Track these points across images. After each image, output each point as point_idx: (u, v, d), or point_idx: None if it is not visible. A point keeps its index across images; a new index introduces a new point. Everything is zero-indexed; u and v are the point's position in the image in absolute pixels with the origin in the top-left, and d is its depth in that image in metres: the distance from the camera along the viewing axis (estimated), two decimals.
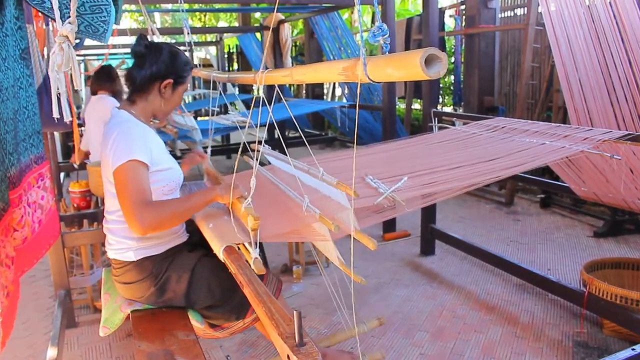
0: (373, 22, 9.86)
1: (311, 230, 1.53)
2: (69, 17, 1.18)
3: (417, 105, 7.61)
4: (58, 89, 1.22)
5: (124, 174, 1.60)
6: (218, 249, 1.54)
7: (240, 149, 1.62)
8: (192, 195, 1.66)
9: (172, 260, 1.81)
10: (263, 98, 1.36)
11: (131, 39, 5.62)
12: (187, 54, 1.96)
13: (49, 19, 1.94)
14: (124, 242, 1.78)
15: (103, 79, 3.56)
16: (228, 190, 1.63)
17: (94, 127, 3.52)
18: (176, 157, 4.35)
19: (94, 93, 3.57)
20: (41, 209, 1.63)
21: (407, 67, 0.76)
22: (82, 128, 7.12)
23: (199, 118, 8.23)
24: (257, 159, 1.45)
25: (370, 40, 0.86)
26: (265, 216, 1.59)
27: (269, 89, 6.65)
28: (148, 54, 1.76)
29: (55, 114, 1.27)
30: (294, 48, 9.70)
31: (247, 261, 1.43)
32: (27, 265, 1.53)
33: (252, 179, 1.40)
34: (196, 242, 1.90)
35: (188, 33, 2.52)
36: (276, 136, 6.97)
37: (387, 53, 0.85)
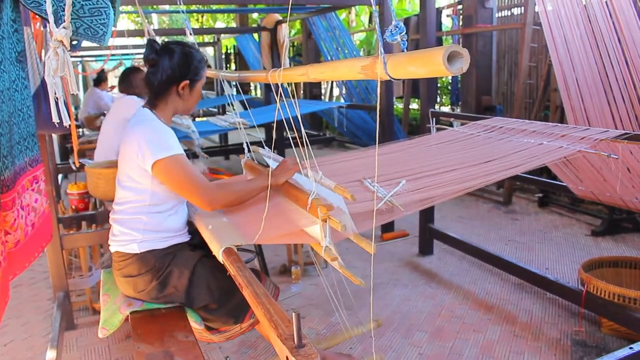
0: (370, 22, 9.87)
1: (305, 235, 1.53)
2: (64, 21, 1.18)
3: (415, 105, 7.62)
4: (55, 93, 1.21)
5: (173, 167, 1.70)
6: (217, 251, 1.54)
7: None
8: (253, 180, 1.83)
9: (174, 256, 1.83)
10: (272, 95, 1.36)
11: (129, 41, 5.61)
12: None
13: (46, 21, 1.94)
14: (130, 234, 1.80)
15: (122, 82, 3.57)
16: (281, 175, 1.76)
17: (113, 126, 3.45)
18: (195, 156, 4.31)
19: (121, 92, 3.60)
20: (35, 212, 1.63)
21: (430, 65, 0.77)
22: (80, 130, 7.10)
23: (196, 119, 8.23)
24: (251, 158, 1.45)
25: (389, 39, 0.87)
26: (262, 219, 1.59)
27: (268, 89, 6.64)
28: (160, 59, 1.79)
29: (55, 119, 1.27)
30: (291, 48, 9.70)
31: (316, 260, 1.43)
32: (18, 269, 1.53)
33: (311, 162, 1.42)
34: (196, 243, 1.91)
35: (190, 34, 2.52)
36: (274, 137, 6.98)
37: (405, 50, 0.86)
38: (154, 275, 1.80)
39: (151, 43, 1.81)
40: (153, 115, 1.81)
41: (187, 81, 1.81)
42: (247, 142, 2.29)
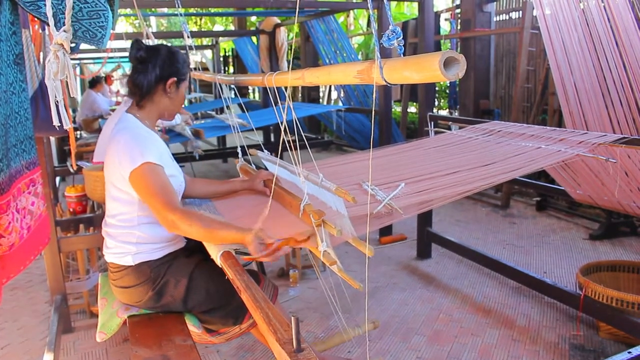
0: (369, 25, 9.89)
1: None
2: (64, 24, 1.18)
3: (413, 109, 7.63)
4: (56, 96, 1.21)
5: (144, 177, 1.63)
6: (215, 255, 1.53)
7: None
8: (228, 225, 1.55)
9: (170, 265, 1.80)
10: (270, 100, 1.36)
11: (127, 43, 5.62)
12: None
13: (45, 24, 1.94)
14: (122, 247, 1.78)
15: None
16: (256, 240, 1.44)
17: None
18: (193, 159, 4.21)
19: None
20: (31, 215, 1.62)
21: (426, 70, 0.77)
22: (78, 132, 7.08)
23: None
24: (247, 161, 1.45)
25: (386, 44, 0.86)
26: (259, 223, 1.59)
27: (265, 92, 6.63)
28: (148, 58, 1.77)
29: (55, 122, 1.26)
30: (289, 51, 9.71)
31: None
32: (13, 272, 1.52)
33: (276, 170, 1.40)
34: (193, 247, 1.89)
35: (188, 37, 2.52)
36: (272, 140, 6.99)
37: (402, 55, 0.85)
38: (150, 286, 1.78)
39: (137, 41, 1.81)
40: (137, 121, 1.78)
41: (175, 78, 1.80)
42: (240, 146, 2.28)
